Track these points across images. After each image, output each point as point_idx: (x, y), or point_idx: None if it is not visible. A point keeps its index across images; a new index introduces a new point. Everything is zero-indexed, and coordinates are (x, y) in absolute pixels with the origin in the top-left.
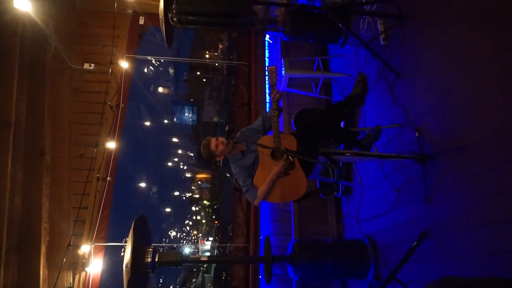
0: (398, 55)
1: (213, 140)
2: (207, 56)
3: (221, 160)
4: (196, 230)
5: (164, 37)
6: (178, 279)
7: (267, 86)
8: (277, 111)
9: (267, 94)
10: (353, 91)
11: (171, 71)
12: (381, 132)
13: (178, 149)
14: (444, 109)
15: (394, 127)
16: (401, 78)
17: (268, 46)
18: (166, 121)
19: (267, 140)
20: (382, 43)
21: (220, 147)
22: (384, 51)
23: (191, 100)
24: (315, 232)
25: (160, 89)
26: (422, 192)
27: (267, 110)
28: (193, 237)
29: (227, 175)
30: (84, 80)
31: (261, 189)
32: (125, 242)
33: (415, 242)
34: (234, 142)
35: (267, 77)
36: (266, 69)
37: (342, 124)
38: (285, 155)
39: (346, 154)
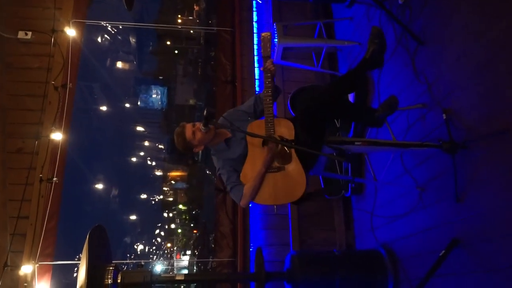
0: (421, 17)
1: (189, 126)
2: (179, 21)
3: (200, 152)
4: (169, 242)
5: None
6: None
7: (255, 58)
8: (271, 90)
9: (256, 68)
10: (368, 50)
11: (132, 40)
12: (397, 103)
13: (145, 141)
14: (480, 86)
15: (416, 108)
16: (425, 47)
17: (256, 7)
18: (127, 105)
19: (257, 125)
20: (400, 1)
21: (198, 134)
22: (403, 12)
23: (160, 77)
24: (319, 241)
25: (119, 64)
26: (452, 190)
27: (257, 88)
28: (166, 251)
29: (208, 172)
30: (19, 54)
31: (248, 186)
32: (79, 259)
33: (443, 252)
34: (215, 128)
35: (255, 46)
36: (258, 36)
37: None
38: (279, 148)
39: (356, 143)
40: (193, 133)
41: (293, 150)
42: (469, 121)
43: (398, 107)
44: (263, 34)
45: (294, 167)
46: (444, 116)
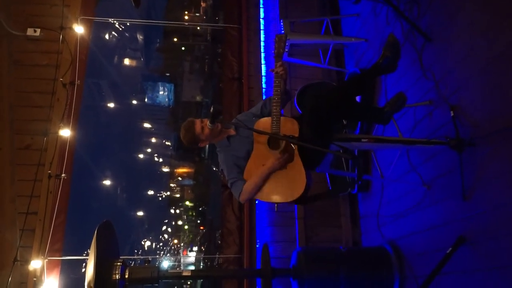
0: (428, 13)
1: (198, 122)
2: (186, 17)
3: (207, 149)
4: (176, 238)
5: None
6: None
7: (262, 55)
8: (280, 90)
9: (262, 65)
10: (382, 56)
11: (140, 37)
12: (405, 99)
13: (152, 137)
14: (487, 82)
15: (423, 105)
16: (433, 43)
17: (263, 4)
18: (135, 102)
19: (264, 123)
20: None
21: (206, 130)
22: (411, 9)
23: (167, 74)
24: (325, 238)
25: (127, 61)
26: (459, 187)
27: (263, 85)
28: (173, 247)
29: (214, 169)
30: (28, 51)
31: (249, 183)
32: (87, 255)
33: (450, 249)
34: (222, 126)
35: (262, 43)
36: (265, 33)
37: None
38: (283, 146)
39: (363, 140)
40: (202, 128)
41: (296, 150)
42: (476, 118)
43: (405, 104)
44: (278, 35)
45: (296, 167)
46: (451, 113)
